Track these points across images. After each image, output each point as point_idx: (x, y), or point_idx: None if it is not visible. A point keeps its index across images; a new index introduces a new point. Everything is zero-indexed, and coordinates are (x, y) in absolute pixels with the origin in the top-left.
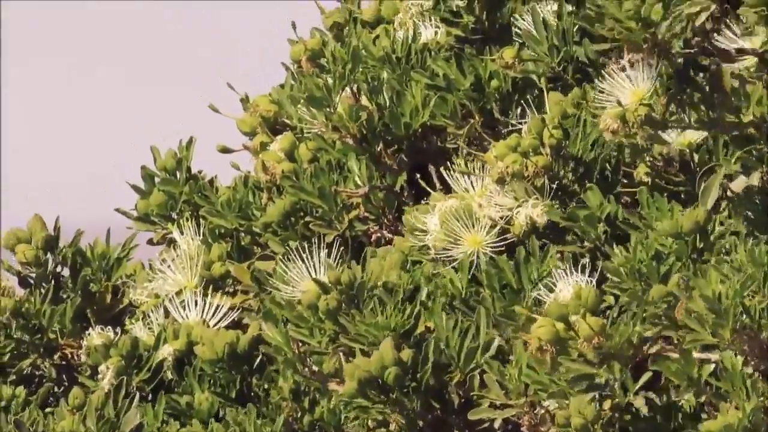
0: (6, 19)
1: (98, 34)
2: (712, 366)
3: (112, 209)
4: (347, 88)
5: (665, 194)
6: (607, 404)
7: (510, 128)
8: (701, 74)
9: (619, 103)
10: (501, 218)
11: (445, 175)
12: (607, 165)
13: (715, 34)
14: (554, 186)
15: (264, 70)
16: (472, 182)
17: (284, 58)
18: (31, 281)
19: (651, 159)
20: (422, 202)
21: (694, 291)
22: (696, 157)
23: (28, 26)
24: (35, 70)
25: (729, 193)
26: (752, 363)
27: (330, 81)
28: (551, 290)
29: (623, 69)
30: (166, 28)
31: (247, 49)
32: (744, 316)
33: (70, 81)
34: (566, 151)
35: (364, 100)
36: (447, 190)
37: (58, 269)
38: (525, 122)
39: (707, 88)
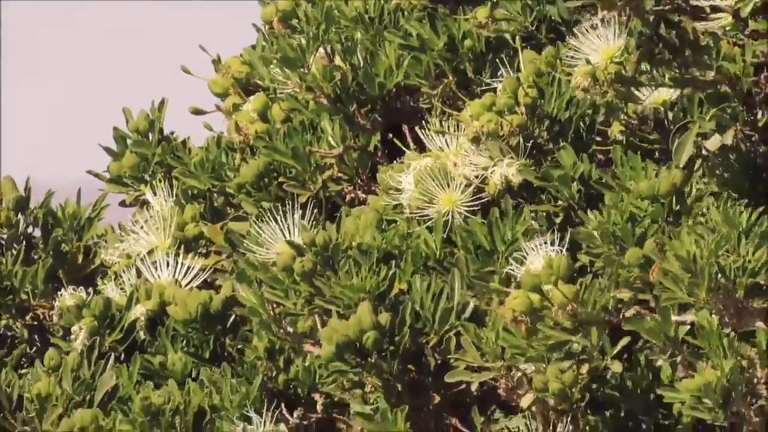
0: (6, 19)
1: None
2: (688, 327)
3: (83, 170)
4: (320, 49)
5: (639, 152)
6: (584, 368)
7: (484, 87)
8: (674, 32)
9: (588, 61)
10: (476, 177)
11: (420, 134)
12: (582, 124)
13: None
14: (529, 145)
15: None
16: (447, 141)
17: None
18: (2, 242)
19: (625, 117)
20: (396, 161)
21: (669, 252)
22: (670, 115)
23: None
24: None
25: (704, 152)
26: (728, 323)
27: (303, 42)
28: (522, 263)
29: (594, 27)
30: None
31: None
32: (719, 275)
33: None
34: (541, 110)
35: (337, 61)
36: (421, 149)
37: (29, 230)
38: (499, 81)
39: (679, 45)
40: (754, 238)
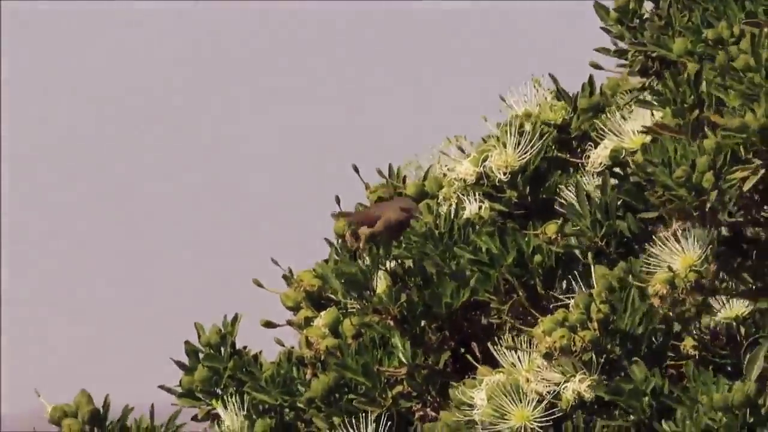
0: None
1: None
2: None
3: (155, 387)
4: (388, 263)
5: (711, 367)
6: None
7: (556, 303)
8: (750, 243)
9: (670, 269)
10: (548, 393)
11: (491, 350)
12: (654, 339)
13: (763, 202)
14: (602, 361)
15: (308, 243)
16: (519, 357)
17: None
18: None
19: (697, 332)
20: (467, 376)
21: None
22: (743, 329)
23: None
24: None
25: None
26: None
27: (369, 262)
28: None
29: (674, 235)
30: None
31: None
32: None
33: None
34: (614, 326)
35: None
36: (492, 364)
37: None
38: (571, 297)
39: (755, 256)
40: None
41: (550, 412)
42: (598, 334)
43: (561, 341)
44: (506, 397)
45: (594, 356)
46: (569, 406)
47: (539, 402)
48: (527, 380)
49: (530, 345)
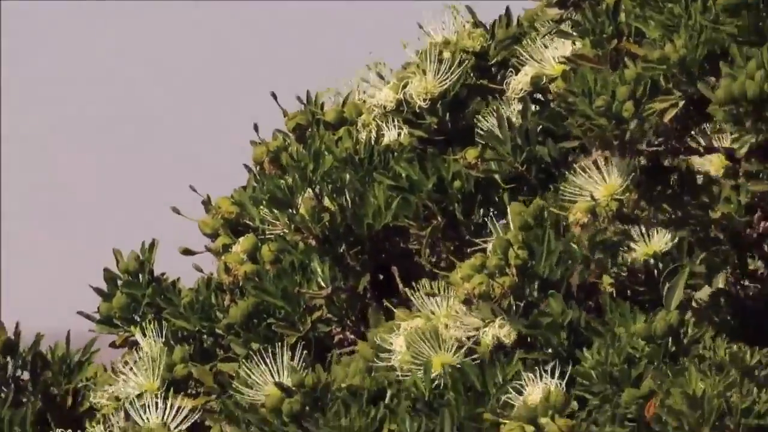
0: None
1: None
2: None
3: (73, 314)
4: (309, 189)
5: (628, 301)
6: None
7: (475, 247)
8: (670, 173)
9: (592, 197)
10: (468, 338)
11: (409, 273)
12: (572, 281)
13: (683, 133)
14: (521, 304)
15: (229, 172)
16: (437, 302)
17: (247, 160)
18: None
19: (615, 271)
20: (384, 302)
21: (673, 388)
22: (660, 265)
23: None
24: None
25: (694, 303)
26: None
27: (292, 182)
28: (520, 393)
29: (595, 163)
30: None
31: (212, 152)
32: (726, 415)
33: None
34: (532, 270)
35: (326, 201)
36: (411, 291)
37: (18, 373)
38: (489, 240)
39: (676, 186)
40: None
41: (471, 357)
42: (516, 280)
43: (480, 287)
44: (425, 343)
45: (513, 300)
46: (488, 350)
47: (459, 348)
48: (446, 326)
49: (448, 290)
